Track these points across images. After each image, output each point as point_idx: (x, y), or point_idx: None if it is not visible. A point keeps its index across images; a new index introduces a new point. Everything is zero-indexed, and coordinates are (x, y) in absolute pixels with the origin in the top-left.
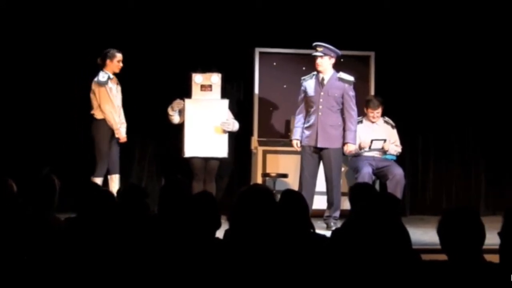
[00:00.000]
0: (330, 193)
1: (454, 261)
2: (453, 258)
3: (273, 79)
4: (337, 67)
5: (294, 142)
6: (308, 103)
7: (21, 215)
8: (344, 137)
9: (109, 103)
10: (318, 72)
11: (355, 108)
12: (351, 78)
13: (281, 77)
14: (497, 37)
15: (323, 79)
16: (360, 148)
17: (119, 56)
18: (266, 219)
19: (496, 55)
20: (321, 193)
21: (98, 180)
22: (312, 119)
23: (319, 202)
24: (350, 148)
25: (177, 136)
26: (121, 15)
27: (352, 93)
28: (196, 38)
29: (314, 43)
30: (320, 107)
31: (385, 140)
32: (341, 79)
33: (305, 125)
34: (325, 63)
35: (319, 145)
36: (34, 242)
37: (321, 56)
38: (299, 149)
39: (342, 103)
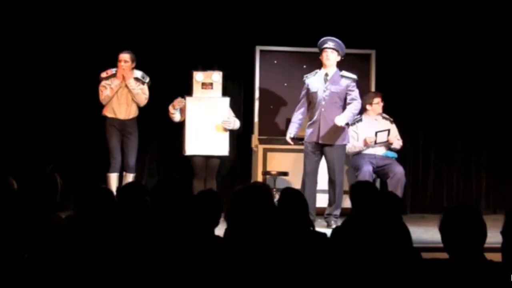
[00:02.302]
0: (331, 191)
1: (456, 259)
2: (455, 256)
3: (273, 77)
4: (339, 65)
5: (287, 136)
6: (311, 99)
7: (22, 213)
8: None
9: None
10: (323, 66)
11: (360, 100)
12: (354, 75)
13: (282, 75)
14: (498, 34)
15: (326, 74)
16: (366, 143)
17: (119, 56)
18: (263, 217)
19: (497, 52)
20: (323, 191)
21: (113, 177)
22: (315, 115)
23: (322, 200)
24: (338, 120)
25: (178, 134)
26: (121, 13)
27: (355, 88)
28: (197, 36)
29: (327, 37)
30: (323, 103)
31: (389, 131)
32: (343, 76)
33: (309, 122)
34: (333, 58)
35: (320, 141)
36: (35, 240)
37: (332, 50)
38: (291, 143)
39: (345, 99)
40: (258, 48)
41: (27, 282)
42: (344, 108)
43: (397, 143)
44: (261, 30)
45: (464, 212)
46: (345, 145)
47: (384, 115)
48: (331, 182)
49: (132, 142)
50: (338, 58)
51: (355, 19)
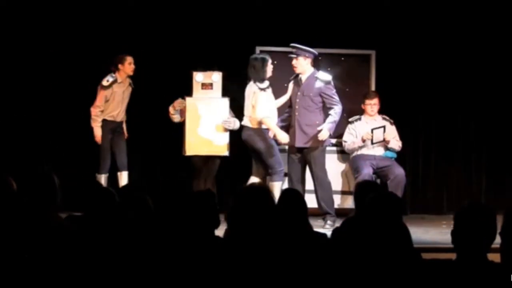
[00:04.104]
0: (316, 191)
1: (460, 258)
2: (461, 254)
3: (273, 78)
4: (338, 65)
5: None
6: (290, 103)
7: (22, 214)
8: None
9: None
10: (297, 73)
11: (339, 105)
12: (327, 77)
13: (282, 76)
14: (498, 34)
15: (300, 79)
16: (363, 140)
17: (129, 59)
18: (264, 218)
19: (497, 52)
20: (311, 191)
21: (103, 177)
22: (292, 120)
23: (311, 201)
24: (322, 133)
25: (178, 135)
26: (121, 14)
27: (330, 91)
28: (197, 36)
29: (290, 44)
30: (297, 107)
31: (384, 127)
32: (317, 79)
33: (286, 124)
34: (301, 64)
35: (296, 145)
36: (35, 240)
37: (295, 57)
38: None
39: (323, 102)
40: (258, 49)
41: (27, 282)
42: (322, 111)
43: (396, 144)
44: (261, 31)
45: (481, 211)
46: (323, 146)
47: (384, 116)
48: (313, 183)
49: (122, 141)
50: (308, 61)
51: (355, 20)
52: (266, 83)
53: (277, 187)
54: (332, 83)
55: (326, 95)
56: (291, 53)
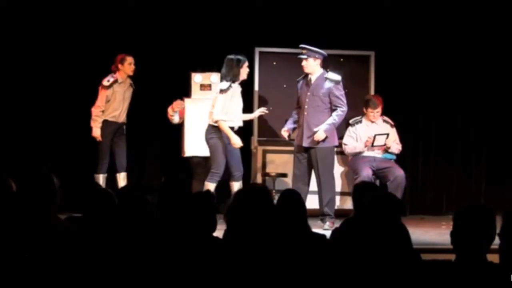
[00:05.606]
0: (319, 192)
1: (459, 259)
2: (460, 255)
3: (272, 79)
4: (337, 66)
5: (282, 130)
6: (299, 103)
7: (22, 214)
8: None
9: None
10: (306, 73)
11: (344, 108)
12: (337, 77)
13: (281, 77)
14: (498, 34)
15: (310, 79)
16: (365, 145)
17: (130, 59)
18: (263, 218)
19: (497, 52)
20: (314, 192)
21: (101, 177)
22: (300, 119)
23: (314, 202)
24: (318, 134)
25: (177, 135)
26: (120, 14)
27: (338, 92)
28: (196, 37)
29: (300, 46)
30: (306, 106)
31: (387, 135)
32: (327, 79)
33: (297, 125)
34: (310, 65)
35: (304, 144)
36: (35, 241)
37: (305, 59)
38: (285, 137)
39: (330, 103)
40: (257, 50)
41: (27, 283)
42: (331, 112)
43: (396, 147)
44: (260, 32)
45: (481, 211)
46: (331, 146)
47: (385, 118)
48: (317, 182)
49: (123, 142)
50: (318, 62)
51: (354, 20)
52: (227, 84)
53: (211, 187)
54: (341, 83)
55: (334, 96)
56: (301, 54)
